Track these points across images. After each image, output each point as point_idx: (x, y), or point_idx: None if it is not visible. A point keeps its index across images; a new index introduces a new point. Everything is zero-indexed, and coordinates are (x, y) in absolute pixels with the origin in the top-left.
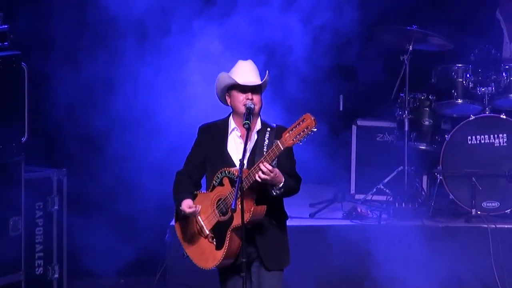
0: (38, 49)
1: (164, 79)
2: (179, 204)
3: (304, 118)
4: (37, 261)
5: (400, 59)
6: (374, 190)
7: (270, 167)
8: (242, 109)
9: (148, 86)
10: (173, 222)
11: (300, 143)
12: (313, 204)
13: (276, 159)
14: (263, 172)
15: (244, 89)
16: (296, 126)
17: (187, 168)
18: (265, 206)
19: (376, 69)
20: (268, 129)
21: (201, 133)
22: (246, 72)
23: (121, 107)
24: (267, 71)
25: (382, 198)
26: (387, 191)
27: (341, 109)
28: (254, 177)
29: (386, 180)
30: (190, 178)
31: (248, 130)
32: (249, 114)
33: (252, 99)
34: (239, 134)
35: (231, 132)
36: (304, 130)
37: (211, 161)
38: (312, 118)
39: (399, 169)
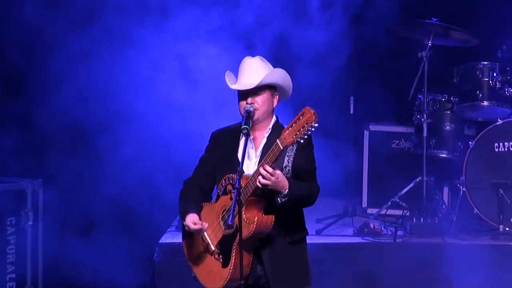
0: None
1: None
2: (183, 218)
3: (303, 112)
4: (9, 284)
5: (418, 56)
6: (389, 203)
7: (270, 170)
8: (243, 113)
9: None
10: (164, 240)
11: (301, 141)
12: (320, 219)
13: (290, 161)
14: (262, 176)
15: (243, 93)
16: (295, 122)
17: (195, 176)
18: (273, 216)
19: (390, 68)
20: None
21: (213, 139)
22: (245, 73)
23: (100, 112)
24: (268, 71)
25: (397, 212)
26: (404, 204)
27: (351, 112)
28: (255, 183)
29: (402, 192)
30: (199, 188)
31: (247, 135)
32: (248, 118)
33: (252, 103)
34: (251, 137)
35: (242, 136)
36: (304, 126)
37: (220, 168)
38: (312, 112)
39: (417, 180)
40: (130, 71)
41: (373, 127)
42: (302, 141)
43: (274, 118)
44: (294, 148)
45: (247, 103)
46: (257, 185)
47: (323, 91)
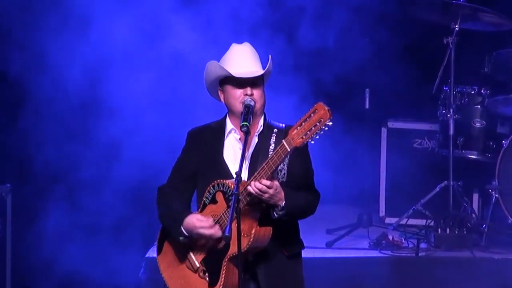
0: None
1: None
2: (178, 226)
3: (316, 109)
4: None
5: (444, 42)
6: (410, 212)
7: (267, 183)
8: (240, 108)
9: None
10: (152, 254)
11: (312, 142)
12: (331, 230)
13: (285, 164)
14: (260, 191)
15: (240, 82)
16: (306, 120)
17: (173, 181)
18: (270, 228)
19: (412, 56)
20: (275, 130)
21: (191, 139)
22: (242, 60)
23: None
24: (269, 56)
25: (420, 222)
26: (427, 213)
27: (367, 106)
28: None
29: (425, 199)
30: (179, 194)
31: (247, 133)
32: (248, 114)
33: (252, 95)
34: (238, 136)
35: (227, 135)
36: (316, 125)
37: (203, 173)
38: (326, 109)
39: (443, 184)
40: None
41: (391, 124)
42: (313, 142)
43: (263, 115)
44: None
45: (246, 95)
46: (253, 195)
47: (332, 82)
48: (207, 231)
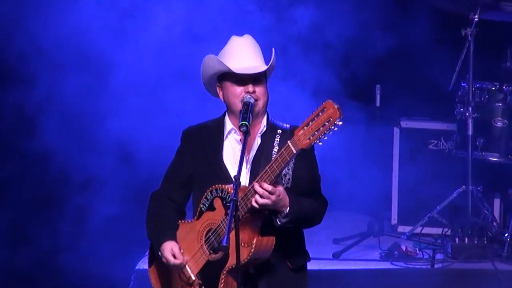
0: None
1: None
2: (158, 246)
3: (325, 107)
4: None
5: (462, 34)
6: (425, 219)
7: (269, 187)
8: (240, 107)
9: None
10: (142, 265)
11: (320, 143)
12: (338, 239)
13: (290, 168)
14: (260, 196)
15: (241, 79)
16: (313, 119)
17: (166, 188)
18: (273, 238)
19: (427, 49)
20: (279, 131)
21: (186, 139)
22: (243, 54)
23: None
24: (273, 50)
25: (436, 231)
26: (443, 221)
27: (377, 104)
28: (250, 201)
29: (441, 206)
30: (171, 203)
31: (246, 134)
32: (247, 112)
33: (253, 92)
34: (238, 137)
35: (227, 136)
36: (324, 124)
37: (200, 177)
38: (336, 107)
39: (461, 189)
40: None
41: (405, 124)
42: (321, 143)
43: (266, 114)
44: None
45: (247, 92)
46: (252, 204)
47: (340, 77)
48: (171, 261)
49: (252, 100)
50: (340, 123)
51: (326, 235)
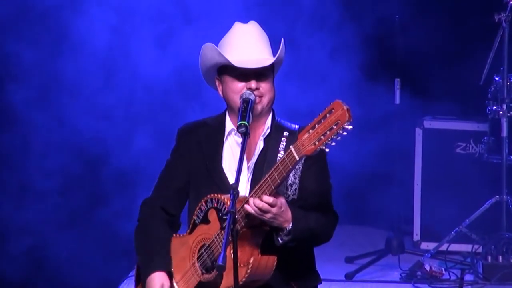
0: None
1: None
2: (146, 274)
3: (332, 108)
4: None
5: (495, 19)
6: (452, 234)
7: (269, 200)
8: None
9: None
10: (129, 284)
11: (327, 150)
12: (352, 258)
13: (297, 178)
14: (260, 210)
15: (243, 73)
16: (320, 121)
17: (159, 195)
18: (274, 257)
19: (454, 38)
20: (285, 133)
21: (182, 138)
22: (246, 45)
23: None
24: (281, 40)
25: (465, 248)
26: (473, 236)
27: (397, 101)
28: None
29: (471, 219)
30: (165, 214)
31: (246, 136)
32: (247, 110)
33: (257, 89)
34: (239, 139)
35: (227, 137)
36: (332, 128)
37: (196, 183)
38: (345, 108)
39: (493, 200)
40: None
41: (428, 124)
42: (327, 149)
43: (271, 113)
44: (303, 160)
45: (249, 89)
46: (252, 215)
47: (353, 70)
48: None
49: (252, 97)
50: (350, 127)
51: (338, 253)
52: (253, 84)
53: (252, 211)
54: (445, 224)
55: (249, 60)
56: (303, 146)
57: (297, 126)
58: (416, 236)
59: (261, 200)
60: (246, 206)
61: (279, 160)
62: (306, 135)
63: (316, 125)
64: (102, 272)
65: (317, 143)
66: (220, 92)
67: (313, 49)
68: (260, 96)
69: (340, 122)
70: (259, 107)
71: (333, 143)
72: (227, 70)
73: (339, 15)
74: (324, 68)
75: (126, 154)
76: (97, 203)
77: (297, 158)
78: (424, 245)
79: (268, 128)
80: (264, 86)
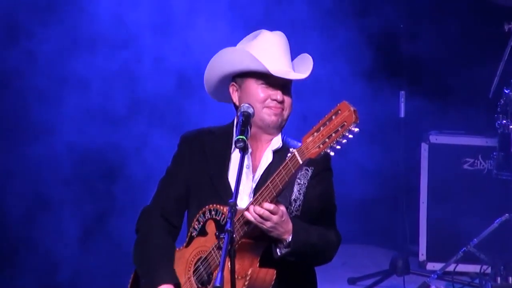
0: None
1: None
2: (151, 286)
3: (339, 110)
4: None
5: (505, 29)
6: (460, 254)
7: (270, 207)
8: (262, 115)
9: None
10: None
11: (332, 153)
12: (355, 279)
13: (302, 192)
14: (261, 217)
15: (271, 83)
16: (325, 124)
17: (160, 203)
18: (274, 271)
19: (462, 48)
20: (291, 149)
21: (185, 145)
22: (277, 55)
23: None
24: (310, 58)
25: (473, 268)
26: (482, 256)
27: (401, 115)
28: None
29: (480, 238)
30: (166, 223)
31: (244, 151)
32: (246, 125)
33: (282, 102)
34: (249, 150)
35: (235, 148)
36: (337, 130)
37: (197, 192)
38: (352, 109)
39: (503, 218)
40: None
41: (434, 138)
42: (333, 153)
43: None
44: (309, 174)
45: (274, 100)
46: (252, 224)
47: (355, 80)
48: None
49: (251, 110)
50: (357, 129)
51: (340, 274)
52: (279, 95)
53: (252, 219)
54: (452, 244)
55: (281, 69)
56: (307, 150)
57: (301, 144)
58: (422, 256)
59: (262, 207)
60: (246, 213)
61: (282, 165)
62: (310, 138)
63: (321, 128)
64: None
65: (321, 146)
66: (235, 99)
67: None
68: (282, 109)
69: (346, 123)
70: (279, 119)
71: (339, 146)
72: (251, 76)
73: (341, 22)
74: (322, 77)
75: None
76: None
77: (301, 162)
78: (430, 266)
79: (279, 142)
80: (287, 100)
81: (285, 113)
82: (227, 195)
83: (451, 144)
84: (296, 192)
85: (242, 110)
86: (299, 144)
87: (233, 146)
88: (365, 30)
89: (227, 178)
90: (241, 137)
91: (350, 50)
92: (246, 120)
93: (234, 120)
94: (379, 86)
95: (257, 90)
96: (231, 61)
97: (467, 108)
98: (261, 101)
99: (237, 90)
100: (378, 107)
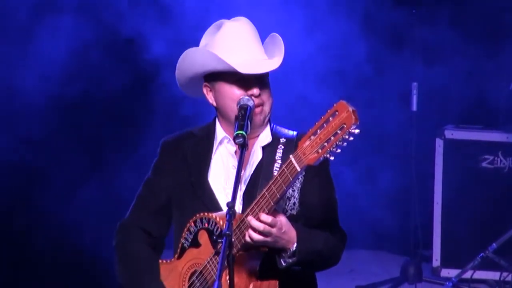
0: None
1: None
2: None
3: (336, 110)
4: None
5: None
6: (477, 260)
7: (268, 219)
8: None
9: None
10: None
11: (332, 158)
12: (363, 287)
13: (297, 192)
14: (253, 229)
15: (244, 79)
16: (322, 126)
17: (138, 216)
18: (276, 282)
19: (479, 35)
20: (282, 140)
21: (166, 151)
22: (243, 46)
23: None
24: (279, 38)
25: (492, 275)
26: (502, 262)
27: (414, 108)
28: (244, 236)
29: (499, 242)
30: (146, 236)
31: (244, 147)
32: (245, 119)
33: (259, 96)
34: (233, 148)
35: (218, 147)
36: (336, 133)
37: (180, 201)
38: (350, 110)
39: None
40: None
41: (450, 134)
42: (333, 158)
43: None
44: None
45: (252, 96)
46: (246, 239)
47: (363, 71)
48: None
49: (250, 103)
50: (357, 131)
51: (347, 282)
52: (255, 90)
53: (251, 239)
54: (469, 248)
55: (251, 63)
56: (304, 155)
57: (295, 133)
58: (436, 262)
59: (259, 220)
60: (246, 237)
61: (277, 171)
62: (307, 142)
63: (318, 131)
64: None
65: (320, 150)
66: (211, 100)
67: (320, 45)
68: (261, 105)
69: (345, 126)
70: (261, 118)
71: (339, 150)
72: (222, 76)
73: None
74: (331, 67)
75: None
76: None
77: (299, 169)
78: (444, 272)
79: (268, 137)
80: (265, 93)
81: (267, 108)
82: (209, 200)
83: (468, 140)
84: (290, 192)
85: (241, 103)
86: (290, 132)
87: (215, 147)
88: (376, 18)
89: (207, 181)
90: (241, 132)
91: (358, 38)
92: (245, 113)
93: (215, 118)
94: (390, 77)
95: (231, 90)
96: (197, 63)
97: (485, 100)
98: (237, 99)
99: (211, 91)
100: (389, 100)
